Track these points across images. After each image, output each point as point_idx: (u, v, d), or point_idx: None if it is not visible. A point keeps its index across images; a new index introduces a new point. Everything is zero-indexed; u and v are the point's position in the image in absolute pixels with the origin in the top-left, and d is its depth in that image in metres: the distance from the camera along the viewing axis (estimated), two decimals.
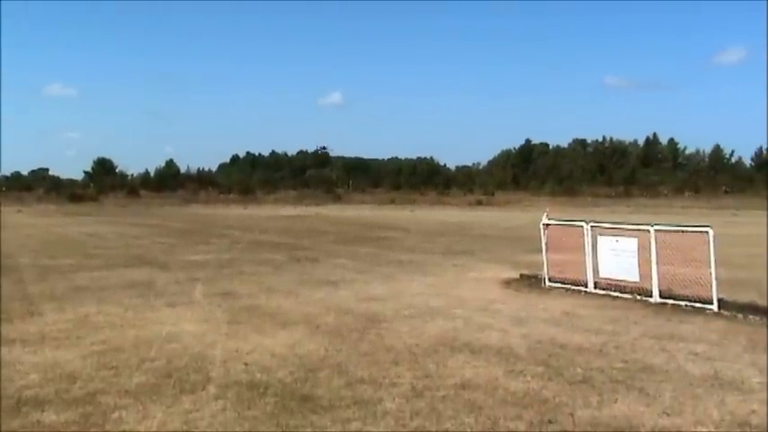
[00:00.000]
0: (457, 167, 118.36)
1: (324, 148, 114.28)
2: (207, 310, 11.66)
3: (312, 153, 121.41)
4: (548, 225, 14.85)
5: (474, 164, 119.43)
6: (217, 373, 7.85)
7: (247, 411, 6.54)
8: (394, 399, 6.94)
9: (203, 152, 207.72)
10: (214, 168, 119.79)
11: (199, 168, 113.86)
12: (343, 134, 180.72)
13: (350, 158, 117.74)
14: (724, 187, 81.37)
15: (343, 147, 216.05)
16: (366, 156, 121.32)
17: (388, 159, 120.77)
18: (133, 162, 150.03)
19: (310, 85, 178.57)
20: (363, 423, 6.23)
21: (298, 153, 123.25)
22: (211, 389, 7.24)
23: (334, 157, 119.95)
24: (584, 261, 13.68)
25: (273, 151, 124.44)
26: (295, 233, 30.96)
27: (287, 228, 34.89)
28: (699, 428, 6.04)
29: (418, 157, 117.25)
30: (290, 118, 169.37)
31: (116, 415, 6.47)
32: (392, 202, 78.33)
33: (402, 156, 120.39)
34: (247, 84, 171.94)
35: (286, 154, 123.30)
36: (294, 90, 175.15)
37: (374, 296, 13.08)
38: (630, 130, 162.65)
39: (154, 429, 6.06)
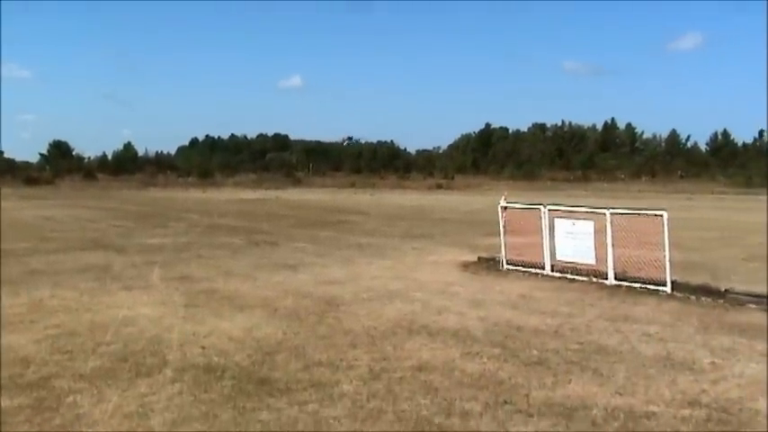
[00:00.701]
0: (417, 151, 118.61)
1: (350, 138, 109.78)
2: (164, 294, 11.57)
3: (272, 136, 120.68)
4: (506, 208, 14.95)
5: (434, 148, 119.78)
6: (173, 356, 7.80)
7: (204, 394, 6.51)
8: (351, 381, 6.95)
9: (162, 135, 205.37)
10: (173, 151, 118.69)
11: (157, 152, 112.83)
12: (303, 117, 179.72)
13: (310, 142, 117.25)
14: (680, 172, 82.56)
15: (303, 130, 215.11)
16: (326, 139, 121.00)
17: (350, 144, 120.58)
18: (90, 145, 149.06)
19: (270, 69, 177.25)
20: (320, 405, 6.24)
21: (257, 136, 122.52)
22: (168, 372, 7.19)
23: (294, 141, 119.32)
24: (542, 244, 13.81)
25: (233, 134, 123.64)
26: (254, 217, 30.80)
27: (246, 211, 34.70)
28: (650, 407, 6.14)
29: (378, 141, 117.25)
30: (250, 101, 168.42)
31: (70, 399, 6.40)
32: (352, 185, 78.21)
33: (363, 139, 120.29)
34: (206, 67, 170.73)
35: (246, 137, 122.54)
36: (254, 73, 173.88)
37: (333, 279, 13.08)
38: (589, 115, 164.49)
39: (109, 413, 6.00)
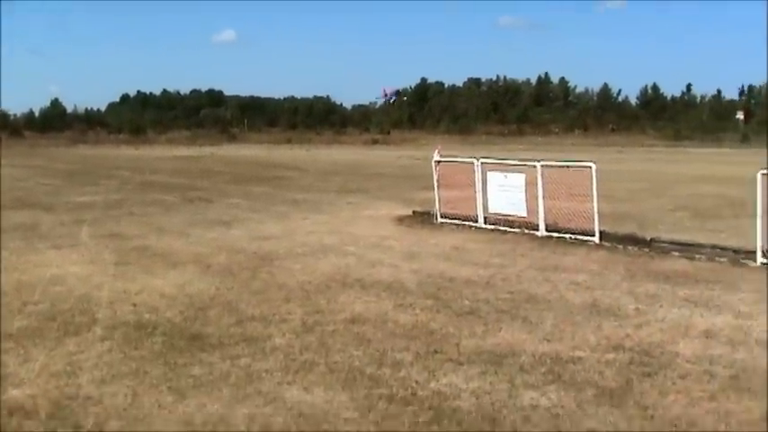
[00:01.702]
0: (353, 107, 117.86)
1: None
2: (94, 252, 11.39)
3: (206, 92, 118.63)
4: (439, 162, 15.02)
5: (370, 103, 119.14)
6: (103, 314, 7.71)
7: (134, 351, 6.47)
8: (284, 334, 6.98)
9: (91, 91, 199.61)
10: (103, 108, 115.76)
11: (87, 108, 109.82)
12: (237, 73, 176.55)
13: (245, 97, 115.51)
14: (611, 125, 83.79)
15: (237, 86, 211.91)
16: (261, 95, 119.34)
17: (284, 98, 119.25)
18: (15, 102, 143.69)
19: (203, 23, 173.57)
20: (252, 359, 6.25)
21: (191, 92, 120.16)
22: (97, 330, 7.12)
23: (229, 97, 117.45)
24: (475, 197, 13.94)
25: (165, 90, 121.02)
26: (188, 174, 30.38)
27: (179, 168, 34.19)
28: (576, 353, 6.30)
29: (315, 96, 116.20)
30: (183, 56, 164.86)
31: None
32: (288, 141, 77.44)
33: (298, 95, 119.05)
34: (136, 20, 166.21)
35: (179, 93, 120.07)
36: (186, 27, 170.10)
37: (267, 235, 13.02)
38: (523, 69, 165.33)
39: (36, 372, 5.92)
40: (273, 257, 10.87)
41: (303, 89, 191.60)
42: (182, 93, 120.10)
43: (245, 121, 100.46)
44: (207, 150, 55.61)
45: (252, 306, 8.04)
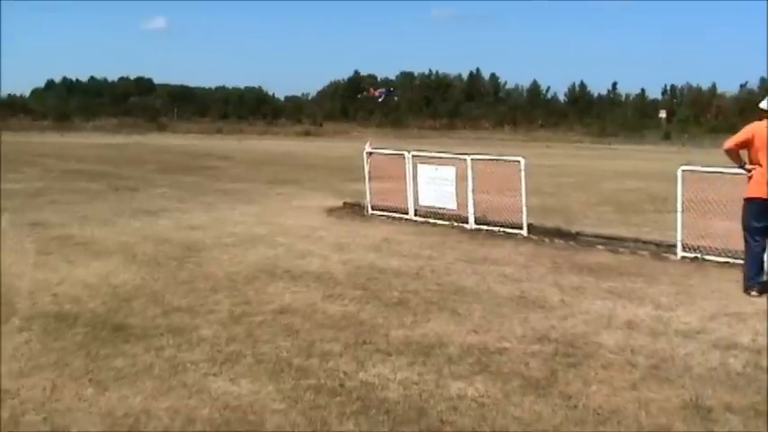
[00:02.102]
0: (286, 97, 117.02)
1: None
2: (14, 241, 11.07)
3: (135, 80, 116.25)
4: (371, 154, 15.03)
5: (303, 94, 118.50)
6: (22, 305, 7.50)
7: (54, 343, 6.30)
8: (211, 325, 6.89)
9: (14, 77, 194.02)
10: (27, 94, 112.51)
11: (9, 94, 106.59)
12: (167, 61, 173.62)
13: (175, 86, 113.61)
14: (540, 121, 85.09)
15: (167, 74, 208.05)
16: (192, 84, 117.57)
17: (216, 88, 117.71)
18: None
19: (131, 9, 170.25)
20: (178, 350, 6.16)
21: (119, 79, 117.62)
22: (15, 321, 6.91)
23: (159, 85, 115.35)
24: (406, 189, 13.99)
25: (93, 77, 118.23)
26: (114, 162, 29.76)
27: (106, 156, 33.47)
28: (503, 344, 6.38)
29: (246, 87, 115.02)
30: (111, 43, 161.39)
31: None
32: (219, 131, 76.52)
33: (230, 85, 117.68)
34: (62, 4, 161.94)
35: (106, 80, 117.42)
36: (114, 13, 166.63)
37: (195, 225, 12.85)
38: (455, 64, 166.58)
39: None
40: (201, 248, 10.73)
41: (235, 79, 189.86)
42: (109, 80, 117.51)
43: (175, 110, 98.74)
44: (134, 139, 54.62)
45: (178, 297, 7.91)
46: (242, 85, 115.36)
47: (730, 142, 8.49)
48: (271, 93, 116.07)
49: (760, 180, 8.12)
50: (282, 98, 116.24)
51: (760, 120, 8.30)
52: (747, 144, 8.28)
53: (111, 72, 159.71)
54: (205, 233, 11.98)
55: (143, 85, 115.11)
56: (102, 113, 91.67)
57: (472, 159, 13.09)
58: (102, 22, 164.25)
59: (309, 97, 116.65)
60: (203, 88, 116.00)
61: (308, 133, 77.23)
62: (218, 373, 5.62)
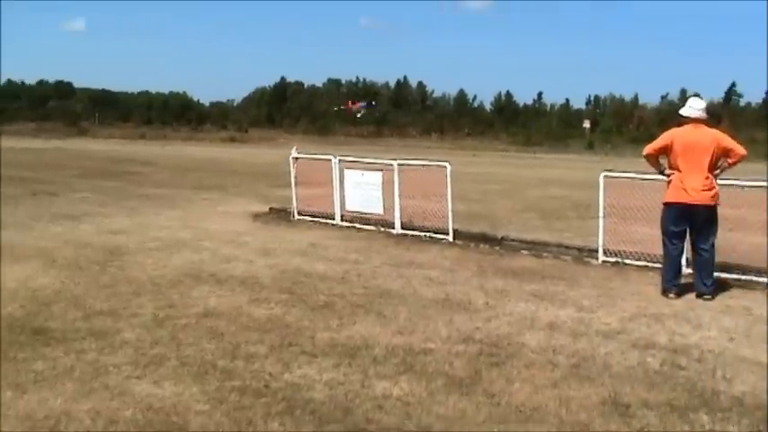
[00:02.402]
0: (211, 103, 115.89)
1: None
2: None
3: (54, 83, 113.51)
4: (297, 159, 14.99)
5: (228, 100, 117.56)
6: None
7: None
8: (134, 329, 6.79)
9: None
10: None
11: None
12: (88, 64, 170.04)
13: (96, 90, 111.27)
14: (467, 129, 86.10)
15: (88, 78, 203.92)
16: (114, 88, 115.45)
17: (139, 93, 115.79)
18: None
19: (50, 9, 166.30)
20: (100, 354, 6.05)
21: (38, 83, 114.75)
22: None
23: (79, 89, 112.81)
24: (332, 195, 13.99)
25: (9, 80, 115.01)
26: (32, 166, 28.91)
27: (23, 161, 32.47)
28: (428, 345, 6.44)
29: (170, 92, 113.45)
30: (28, 44, 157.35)
31: None
32: (142, 137, 75.19)
33: (153, 89, 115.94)
34: None
35: (23, 83, 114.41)
36: (32, 14, 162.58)
37: (118, 230, 12.61)
38: (383, 71, 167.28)
39: None
40: (124, 252, 10.55)
41: (158, 84, 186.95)
42: (27, 83, 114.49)
43: (97, 114, 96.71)
44: (54, 143, 53.25)
45: (100, 300, 7.77)
46: (166, 90, 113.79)
47: (650, 148, 8.75)
48: (195, 98, 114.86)
49: (678, 185, 8.37)
50: (207, 104, 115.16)
51: (679, 126, 8.58)
52: (666, 150, 8.53)
53: (28, 75, 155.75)
54: (128, 237, 11.78)
55: (63, 89, 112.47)
56: (20, 117, 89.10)
57: (399, 164, 13.17)
58: (19, 23, 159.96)
59: (235, 103, 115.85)
60: (126, 93, 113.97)
61: (233, 140, 76.52)
62: (142, 376, 5.54)
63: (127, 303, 7.68)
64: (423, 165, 13.54)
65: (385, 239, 12.33)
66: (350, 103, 45.24)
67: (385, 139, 77.54)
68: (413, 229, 12.69)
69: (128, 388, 5.29)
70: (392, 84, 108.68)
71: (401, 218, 12.90)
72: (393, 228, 12.91)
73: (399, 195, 12.93)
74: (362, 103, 44.55)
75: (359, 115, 43.22)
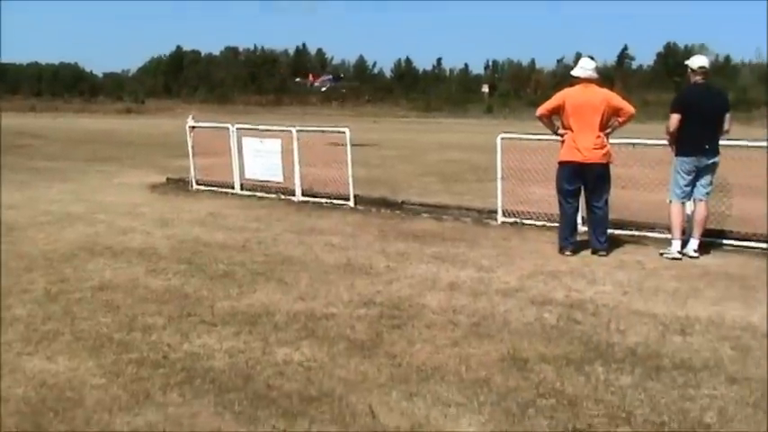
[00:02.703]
0: (104, 74, 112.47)
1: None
2: None
3: None
4: (194, 128, 14.68)
5: (123, 71, 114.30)
6: None
7: None
8: (25, 305, 6.54)
9: None
10: None
11: None
12: None
13: None
14: (367, 97, 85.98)
15: None
16: (2, 60, 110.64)
17: (27, 64, 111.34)
18: None
19: None
20: None
21: None
22: None
23: None
24: (231, 163, 13.78)
25: None
26: None
27: None
28: (330, 309, 6.42)
29: (61, 63, 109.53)
30: None
31: None
32: (32, 109, 72.45)
33: (43, 60, 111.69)
34: None
35: None
36: None
37: (6, 204, 12.08)
38: (281, 40, 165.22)
39: None
40: (13, 227, 10.14)
41: (48, 54, 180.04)
42: None
43: None
44: None
45: None
46: (56, 61, 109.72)
47: (542, 108, 8.89)
48: (88, 69, 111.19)
49: (571, 144, 8.55)
50: (101, 75, 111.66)
51: (571, 86, 8.74)
52: (559, 110, 8.68)
53: None
54: (18, 212, 11.34)
55: None
56: None
57: (298, 131, 13.05)
58: None
59: (130, 74, 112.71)
60: (14, 64, 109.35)
61: (129, 111, 74.55)
62: (34, 352, 5.35)
63: (17, 279, 7.40)
64: (322, 131, 13.44)
65: (286, 207, 12.23)
66: (311, 75, 43.80)
67: (285, 108, 76.78)
68: (314, 196, 12.62)
69: (19, 365, 5.10)
70: (291, 52, 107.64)
71: (302, 185, 12.81)
72: (294, 195, 12.82)
73: (299, 162, 12.81)
74: (328, 77, 43.10)
75: (323, 89, 41.67)
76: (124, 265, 8.07)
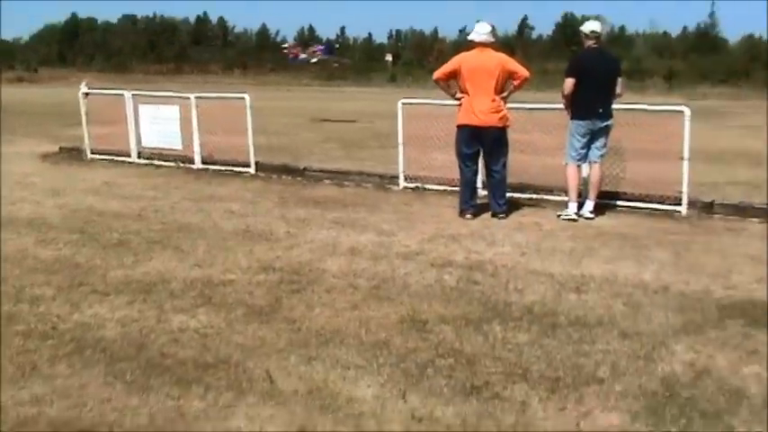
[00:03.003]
0: None
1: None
2: None
3: None
4: (87, 95, 14.17)
5: (15, 39, 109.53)
6: None
7: None
8: None
9: None
10: None
11: None
12: None
13: None
14: (270, 65, 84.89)
15: None
16: None
17: None
18: None
19: None
20: None
21: None
22: None
23: None
24: (127, 131, 13.37)
25: None
26: None
27: None
28: (228, 276, 6.31)
29: None
30: None
31: None
32: None
33: None
34: None
35: None
36: None
37: None
38: (182, 9, 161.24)
39: None
40: None
41: None
42: None
43: None
44: None
45: None
46: None
47: (438, 72, 8.92)
48: None
49: (468, 108, 8.59)
50: None
51: (468, 50, 8.76)
52: (456, 74, 8.70)
53: None
54: None
55: None
56: None
57: (196, 98, 12.74)
58: None
59: (22, 41, 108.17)
60: None
61: (21, 80, 71.42)
62: None
63: None
64: (221, 98, 13.16)
65: (185, 175, 11.96)
66: (298, 49, 39.79)
67: (185, 76, 75.01)
68: (214, 164, 12.38)
69: None
70: (192, 20, 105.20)
71: (201, 152, 12.53)
72: (193, 163, 12.54)
73: (199, 130, 12.53)
74: (320, 47, 38.80)
75: (314, 60, 38.18)
76: (13, 235, 7.74)
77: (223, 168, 12.18)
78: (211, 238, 7.63)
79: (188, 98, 12.86)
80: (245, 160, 12.09)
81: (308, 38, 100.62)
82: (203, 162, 12.47)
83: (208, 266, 6.61)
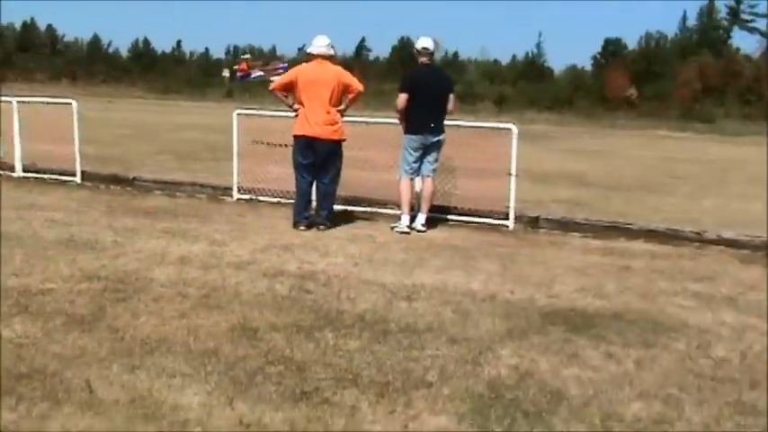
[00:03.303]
0: None
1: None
2: None
3: None
4: None
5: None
6: None
7: None
8: None
9: None
10: None
11: None
12: None
13: None
14: (101, 76, 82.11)
15: None
16: None
17: None
18: None
19: None
20: None
21: None
22: None
23: None
24: None
25: None
26: None
27: None
28: (47, 285, 5.98)
29: None
30: None
31: None
32: None
33: None
34: None
35: None
36: None
37: None
38: (6, 14, 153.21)
39: None
40: None
41: None
42: None
43: None
44: None
45: None
46: None
47: (275, 83, 8.95)
48: None
49: (303, 119, 8.62)
50: None
51: (307, 63, 8.79)
52: (293, 85, 8.71)
53: None
54: None
55: None
56: None
57: (18, 102, 12.11)
58: None
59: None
60: None
61: None
62: None
63: None
64: (46, 102, 12.58)
65: (4, 183, 11.30)
66: (244, 63, 34.67)
67: (9, 84, 71.22)
68: (36, 172, 11.80)
69: None
70: (18, 26, 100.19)
71: (23, 160, 11.90)
72: (14, 171, 11.89)
73: (20, 136, 11.90)
74: (283, 66, 32.32)
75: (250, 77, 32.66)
76: None
77: (46, 177, 11.62)
78: (30, 247, 7.22)
79: (10, 102, 12.19)
80: (69, 168, 11.58)
81: (142, 50, 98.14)
82: (25, 170, 11.85)
83: (25, 276, 6.24)
